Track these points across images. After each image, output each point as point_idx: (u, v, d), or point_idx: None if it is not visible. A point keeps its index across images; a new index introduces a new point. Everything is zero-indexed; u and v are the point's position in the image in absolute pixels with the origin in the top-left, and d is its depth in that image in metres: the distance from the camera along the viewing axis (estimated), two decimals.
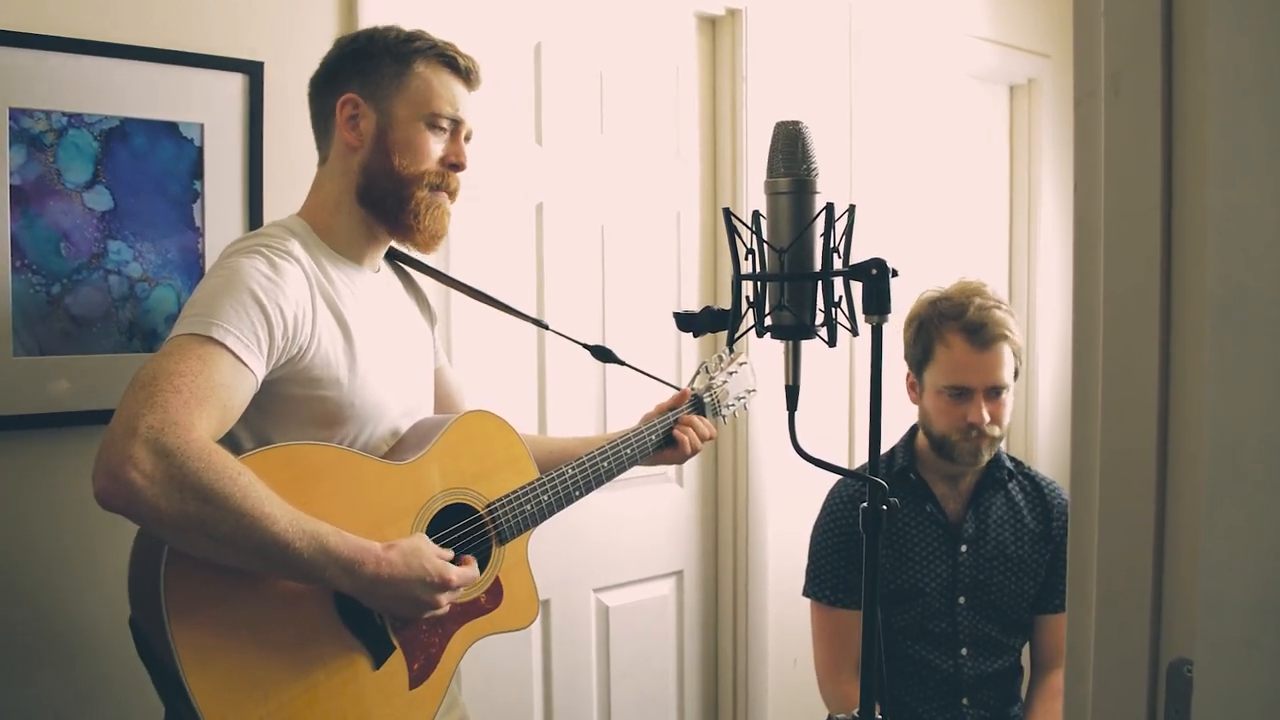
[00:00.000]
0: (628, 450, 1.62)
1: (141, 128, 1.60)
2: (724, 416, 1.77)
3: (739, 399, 1.80)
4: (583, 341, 1.73)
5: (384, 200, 1.41)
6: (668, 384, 1.79)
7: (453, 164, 1.44)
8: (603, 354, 1.72)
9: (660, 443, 1.66)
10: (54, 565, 1.57)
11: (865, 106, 2.68)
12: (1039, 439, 3.17)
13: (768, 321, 1.08)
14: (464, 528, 1.43)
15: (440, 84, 1.43)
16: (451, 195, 1.46)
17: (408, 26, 1.47)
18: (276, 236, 1.35)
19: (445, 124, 1.43)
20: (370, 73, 1.41)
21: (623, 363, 1.72)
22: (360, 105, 1.41)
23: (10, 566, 1.54)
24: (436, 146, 1.43)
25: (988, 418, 1.85)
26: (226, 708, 1.17)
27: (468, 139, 1.47)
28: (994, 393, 1.86)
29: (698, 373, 1.79)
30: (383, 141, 1.40)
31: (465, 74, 1.45)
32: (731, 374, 1.79)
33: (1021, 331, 1.93)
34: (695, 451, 1.69)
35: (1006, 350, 1.86)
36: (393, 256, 1.57)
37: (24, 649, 1.55)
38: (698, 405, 1.72)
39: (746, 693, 2.50)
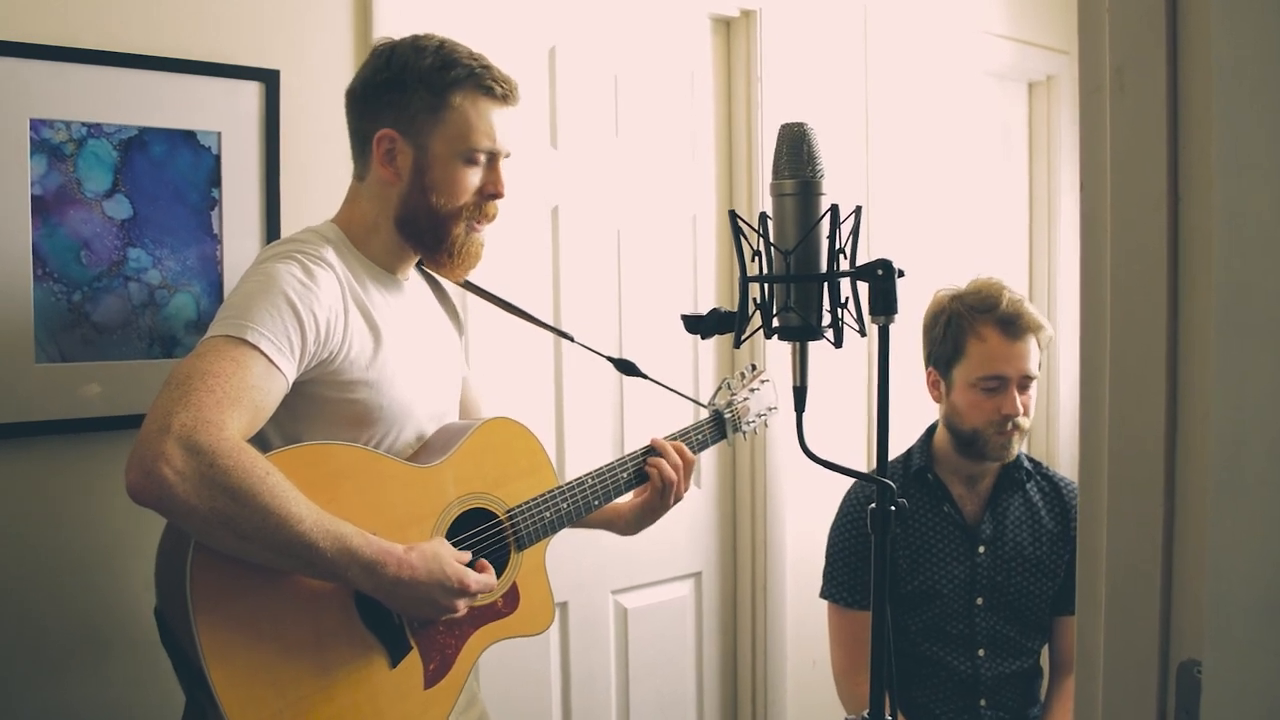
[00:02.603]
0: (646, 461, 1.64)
1: (160, 137, 1.63)
2: (744, 433, 1.78)
3: (760, 416, 1.81)
4: (606, 354, 1.74)
5: (422, 235, 1.43)
6: (690, 399, 1.80)
7: (490, 194, 1.45)
8: (626, 367, 1.72)
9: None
10: (74, 568, 1.59)
11: (881, 105, 2.67)
12: (1061, 437, 3.15)
13: (775, 323, 1.08)
14: (484, 532, 1.45)
15: (478, 116, 1.40)
16: (488, 221, 1.47)
17: (439, 32, 1.45)
18: (311, 243, 1.37)
19: (483, 157, 1.43)
20: (405, 107, 1.39)
21: (646, 376, 1.72)
22: (397, 141, 1.40)
23: (31, 569, 1.56)
24: (474, 179, 1.43)
25: (1021, 408, 1.85)
26: (245, 699, 1.19)
27: (506, 158, 1.46)
28: (1025, 383, 1.87)
29: (719, 389, 1.80)
30: (420, 179, 1.40)
31: (503, 98, 1.43)
32: (753, 391, 1.80)
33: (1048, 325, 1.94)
34: (666, 479, 1.62)
35: (1034, 342, 1.88)
36: (423, 264, 1.58)
37: (54, 648, 1.57)
38: (718, 421, 1.73)
39: (765, 694, 2.50)
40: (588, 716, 2.26)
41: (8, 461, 1.54)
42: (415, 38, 1.43)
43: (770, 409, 1.84)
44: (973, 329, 1.88)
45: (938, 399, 1.96)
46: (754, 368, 1.86)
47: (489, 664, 2.05)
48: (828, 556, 2.02)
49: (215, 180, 1.68)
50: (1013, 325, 1.86)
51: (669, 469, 1.62)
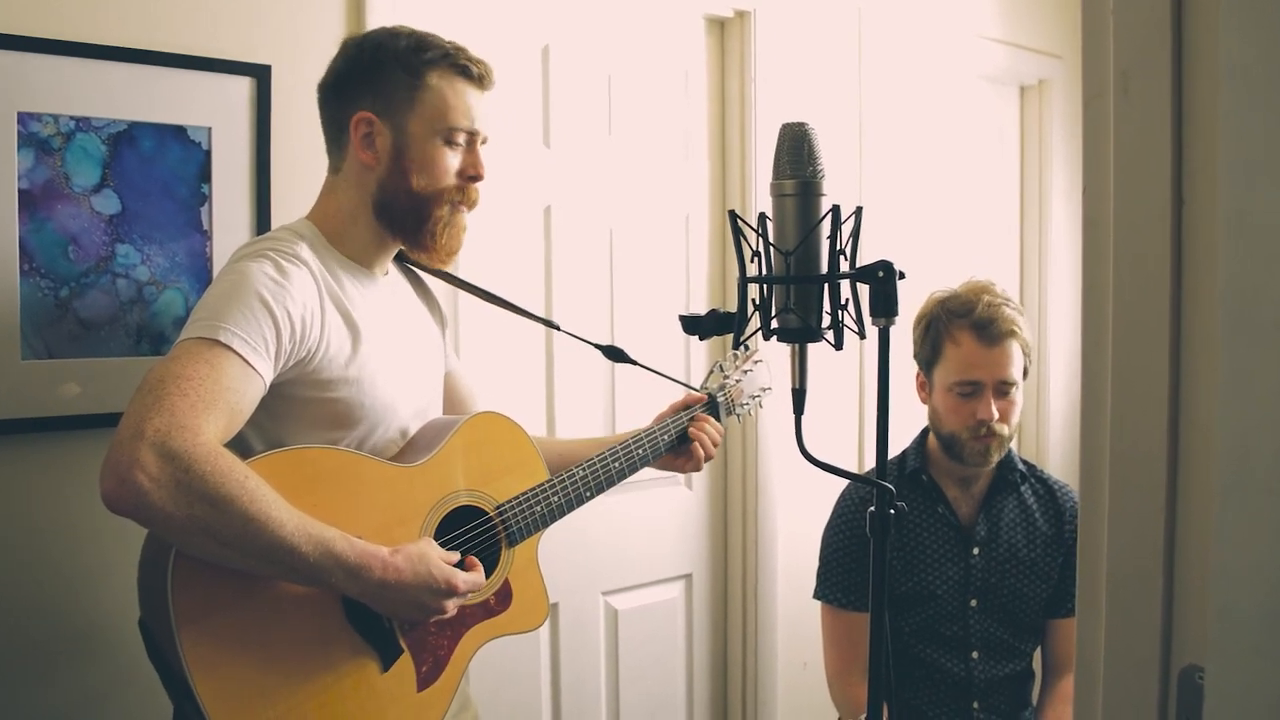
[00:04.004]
0: (639, 450, 1.60)
1: (149, 131, 1.61)
2: (738, 416, 1.76)
3: (753, 398, 1.79)
4: (594, 341, 1.73)
5: (403, 219, 1.40)
6: (681, 383, 1.77)
7: (471, 176, 1.43)
8: (614, 354, 1.70)
9: (673, 442, 1.65)
10: (63, 567, 1.57)
11: (874, 107, 2.67)
12: (1051, 441, 3.16)
13: (774, 324, 1.07)
14: (473, 530, 1.43)
15: (455, 95, 1.40)
16: (470, 206, 1.45)
17: (417, 26, 1.45)
18: (285, 240, 1.35)
19: (462, 137, 1.42)
20: (382, 87, 1.38)
21: (635, 362, 1.70)
22: (375, 123, 1.39)
23: (20, 569, 1.54)
24: (454, 161, 1.41)
25: (996, 414, 1.84)
26: (234, 711, 1.17)
27: (483, 144, 1.46)
28: (1003, 389, 1.86)
29: (711, 371, 1.77)
30: (400, 160, 1.39)
31: (479, 79, 1.43)
32: (746, 372, 1.78)
33: (1031, 329, 1.92)
34: (708, 453, 1.66)
35: (1015, 347, 1.86)
36: (401, 258, 1.57)
37: (35, 651, 1.55)
38: (711, 405, 1.70)
39: (756, 696, 2.49)
40: (577, 717, 2.25)
41: None
42: (391, 27, 1.44)
43: (764, 389, 1.82)
44: (949, 333, 1.87)
45: (924, 400, 1.96)
46: (746, 348, 1.83)
47: (478, 665, 2.03)
48: (821, 557, 2.01)
49: (205, 176, 1.66)
50: (986, 330, 1.84)
51: (708, 441, 1.66)
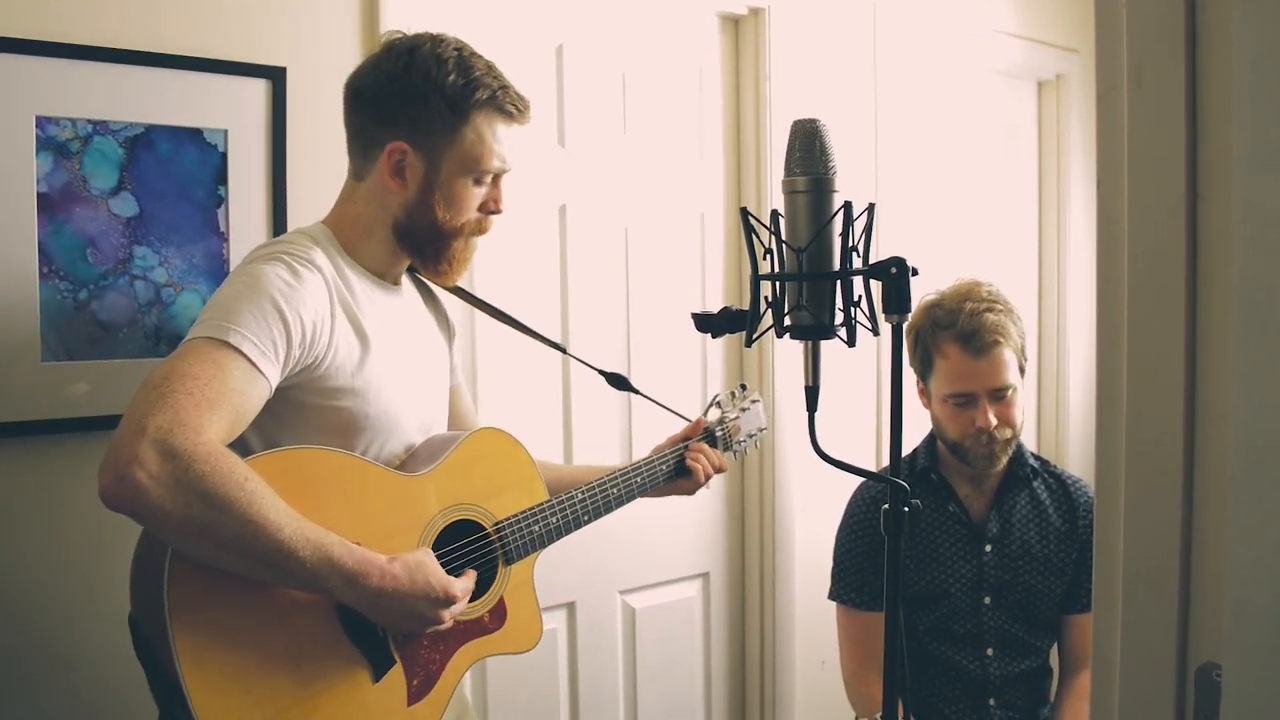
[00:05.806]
0: (638, 478, 1.62)
1: (166, 134, 1.62)
2: (734, 452, 1.78)
3: (750, 436, 1.81)
4: (599, 368, 1.73)
5: (422, 246, 1.41)
6: (679, 415, 1.78)
7: (490, 210, 1.45)
8: (619, 382, 1.72)
9: (671, 472, 1.67)
10: (80, 569, 1.58)
11: (890, 104, 2.66)
12: (1071, 436, 3.14)
13: (787, 321, 1.07)
14: (470, 545, 1.42)
15: (493, 138, 1.40)
16: (484, 233, 1.47)
17: (447, 31, 1.43)
18: (300, 244, 1.34)
19: (489, 177, 1.43)
20: (421, 121, 1.36)
21: (638, 391, 1.72)
22: (409, 154, 1.37)
23: (36, 569, 1.55)
24: (479, 197, 1.42)
25: (995, 420, 1.82)
26: (221, 710, 1.16)
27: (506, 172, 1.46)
28: (998, 395, 1.84)
29: (710, 405, 1.79)
30: (428, 193, 1.38)
31: (518, 118, 1.43)
32: (744, 410, 1.79)
33: (1019, 329, 1.87)
34: (707, 479, 1.69)
35: (1004, 353, 1.83)
36: (414, 270, 1.57)
37: (42, 652, 1.56)
38: (709, 438, 1.72)
39: (774, 695, 2.49)
40: (595, 716, 2.25)
41: (12, 460, 1.53)
42: (433, 43, 1.39)
43: (761, 429, 1.84)
44: (936, 345, 1.86)
45: (925, 406, 1.95)
46: (744, 387, 1.85)
47: (496, 662, 2.04)
48: (835, 558, 2.01)
49: (222, 178, 1.67)
50: (971, 342, 1.81)
51: (707, 464, 1.68)
